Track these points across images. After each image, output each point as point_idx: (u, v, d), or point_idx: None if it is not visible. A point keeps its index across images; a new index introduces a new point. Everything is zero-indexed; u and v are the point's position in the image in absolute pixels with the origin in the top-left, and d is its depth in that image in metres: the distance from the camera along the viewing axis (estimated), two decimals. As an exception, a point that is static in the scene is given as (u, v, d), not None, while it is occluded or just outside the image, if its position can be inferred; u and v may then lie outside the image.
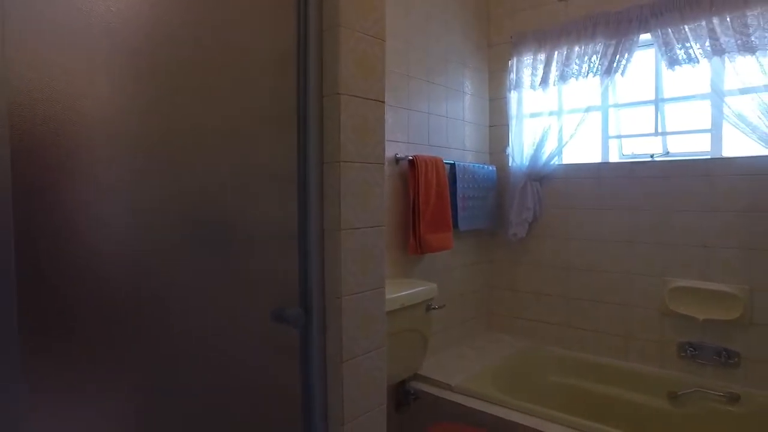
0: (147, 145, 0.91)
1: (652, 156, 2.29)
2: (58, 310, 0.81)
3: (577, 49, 2.37)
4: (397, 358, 1.88)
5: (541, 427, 1.71)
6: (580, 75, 2.37)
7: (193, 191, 0.98)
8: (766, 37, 1.87)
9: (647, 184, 2.26)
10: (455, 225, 2.36)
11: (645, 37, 2.22)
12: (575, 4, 2.42)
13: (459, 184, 2.39)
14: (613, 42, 2.25)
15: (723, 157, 2.11)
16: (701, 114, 2.19)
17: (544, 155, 2.50)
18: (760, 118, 1.90)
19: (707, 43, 2.00)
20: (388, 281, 1.39)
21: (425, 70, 2.33)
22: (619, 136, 2.45)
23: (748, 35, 1.90)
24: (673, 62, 2.10)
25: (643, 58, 2.35)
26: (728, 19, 1.94)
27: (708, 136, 2.17)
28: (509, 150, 2.65)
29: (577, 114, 2.39)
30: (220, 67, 1.02)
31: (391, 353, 1.64)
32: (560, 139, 2.47)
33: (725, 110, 2.00)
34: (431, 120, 2.37)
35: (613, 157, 2.46)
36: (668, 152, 2.28)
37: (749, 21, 1.90)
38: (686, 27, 2.05)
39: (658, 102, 2.30)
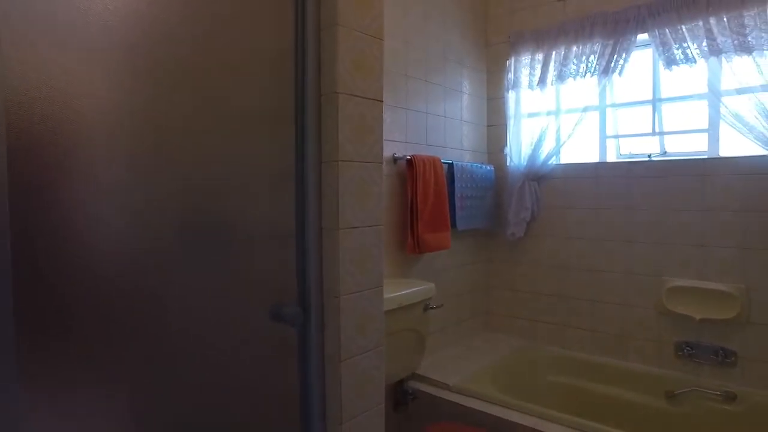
0: (144, 144, 0.91)
1: (649, 156, 2.30)
2: (55, 309, 0.81)
3: (574, 48, 2.38)
4: (395, 357, 1.88)
5: (539, 427, 1.71)
6: (577, 75, 2.38)
7: (190, 190, 0.98)
8: (762, 38, 1.87)
9: (645, 183, 2.26)
10: (453, 225, 2.36)
11: (642, 37, 2.23)
12: (573, 4, 2.42)
13: (457, 184, 2.39)
14: (611, 42, 2.26)
15: (720, 156, 2.12)
16: (698, 114, 2.19)
17: (542, 155, 2.50)
18: (757, 118, 1.90)
19: (704, 43, 2.01)
20: (386, 281, 1.39)
21: (423, 69, 2.33)
22: (616, 136, 2.45)
23: (745, 35, 1.90)
24: (670, 62, 2.10)
25: (640, 58, 2.35)
26: (725, 19, 1.95)
27: (705, 136, 2.17)
28: (507, 150, 2.65)
29: (574, 114, 2.40)
30: (217, 66, 1.02)
31: (389, 353, 1.64)
32: (558, 139, 2.47)
33: (722, 110, 2.01)
34: (429, 120, 2.38)
35: (611, 157, 2.46)
36: (665, 152, 2.29)
37: (746, 21, 1.90)
38: (683, 27, 2.06)
39: (655, 102, 2.30)
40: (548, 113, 2.48)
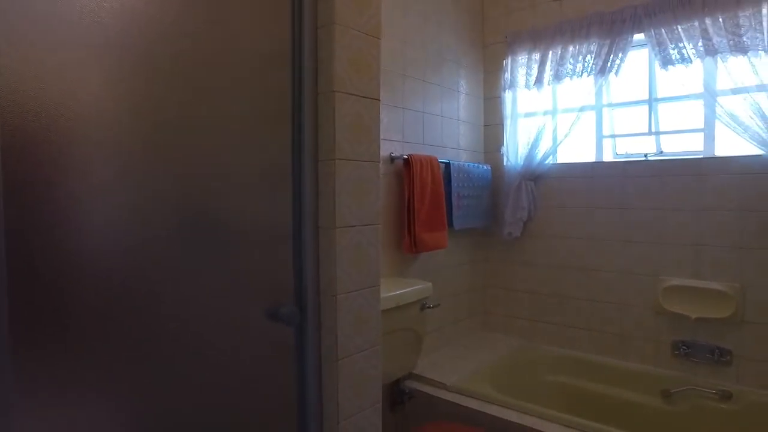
0: (140, 142, 0.91)
1: (645, 155, 2.31)
2: (50, 307, 0.80)
3: (571, 48, 2.38)
4: (392, 357, 1.88)
5: (537, 426, 1.71)
6: (574, 74, 2.38)
7: (186, 188, 0.98)
8: (757, 38, 1.88)
9: (641, 183, 2.27)
10: (450, 224, 2.36)
11: (639, 37, 2.23)
12: (570, 4, 2.43)
13: (454, 183, 2.39)
14: (607, 42, 2.26)
15: (715, 156, 2.13)
16: (694, 114, 2.20)
17: (539, 154, 2.51)
18: (752, 118, 1.91)
19: (700, 44, 2.01)
20: (382, 280, 1.38)
21: (420, 69, 2.33)
22: (613, 136, 2.46)
23: (740, 36, 1.91)
24: (666, 62, 2.11)
25: (636, 58, 2.36)
26: (720, 19, 1.96)
27: (701, 135, 2.18)
28: (504, 149, 2.65)
29: (571, 113, 2.40)
30: (213, 64, 1.01)
31: (386, 352, 1.64)
32: (555, 139, 2.47)
33: (718, 110, 2.01)
34: (426, 119, 2.38)
35: (607, 157, 2.47)
36: (662, 152, 2.30)
37: (741, 21, 1.91)
38: (679, 27, 2.06)
39: (651, 102, 2.31)
40: (545, 113, 2.49)
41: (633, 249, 2.29)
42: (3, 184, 0.74)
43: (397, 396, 2.10)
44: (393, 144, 2.16)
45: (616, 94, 2.43)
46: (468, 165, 2.52)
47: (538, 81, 2.48)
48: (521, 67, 2.57)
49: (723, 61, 1.97)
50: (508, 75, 2.61)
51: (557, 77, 2.43)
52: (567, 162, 2.53)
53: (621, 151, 2.45)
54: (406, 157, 2.13)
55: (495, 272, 2.77)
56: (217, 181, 1.02)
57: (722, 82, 2.02)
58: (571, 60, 2.39)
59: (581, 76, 2.35)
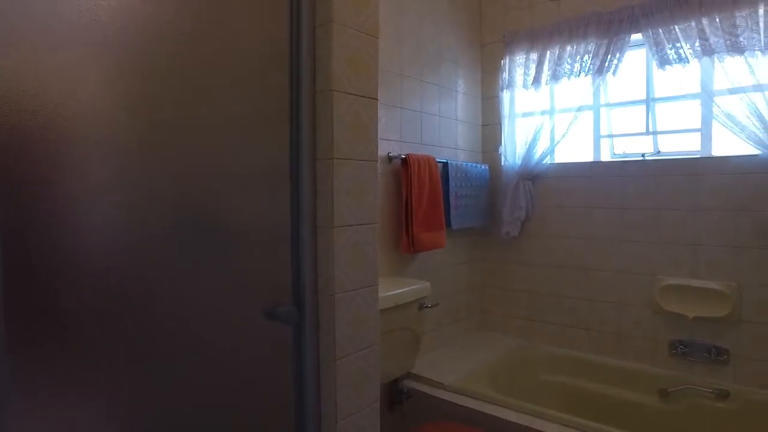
0: (137, 141, 0.90)
1: (643, 155, 2.31)
2: (47, 306, 0.80)
3: (569, 48, 2.39)
4: (390, 356, 1.88)
5: (534, 425, 1.71)
6: (572, 74, 2.38)
7: (184, 188, 0.97)
8: (753, 38, 1.89)
9: (638, 183, 2.27)
10: (448, 224, 2.36)
11: (636, 37, 2.24)
12: (567, 4, 2.43)
13: (452, 183, 2.39)
14: (605, 42, 2.27)
15: (712, 156, 2.13)
16: (691, 114, 2.21)
17: (537, 154, 2.51)
18: (749, 118, 1.92)
19: (697, 44, 2.02)
20: (380, 280, 1.38)
21: (418, 68, 2.33)
22: (610, 136, 2.47)
23: (737, 36, 1.92)
24: (663, 62, 2.11)
25: (634, 58, 2.36)
26: (717, 19, 1.96)
27: (698, 135, 2.19)
28: (502, 149, 2.66)
29: (569, 113, 2.41)
30: (211, 63, 1.01)
31: (384, 352, 1.64)
32: (552, 139, 2.48)
33: (715, 110, 2.02)
34: (424, 119, 2.38)
35: (605, 157, 2.47)
36: (659, 151, 2.30)
37: (737, 22, 1.92)
38: (676, 27, 2.07)
39: (649, 101, 2.32)
40: (543, 113, 2.49)
41: (630, 248, 2.30)
42: (0, 183, 0.74)
43: (396, 395, 2.10)
44: (391, 143, 2.16)
45: (614, 93, 2.44)
46: (466, 165, 2.52)
47: (536, 81, 2.49)
48: (519, 66, 2.57)
49: (720, 61, 1.97)
50: (505, 75, 2.61)
51: (555, 77, 2.43)
52: (565, 162, 2.54)
53: (618, 150, 2.45)
54: (404, 156, 2.13)
55: (493, 272, 2.78)
56: (215, 180, 1.02)
57: (719, 82, 2.02)
58: (569, 60, 2.39)
59: (579, 75, 2.36)
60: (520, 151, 2.57)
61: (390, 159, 2.14)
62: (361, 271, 1.23)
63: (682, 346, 2.15)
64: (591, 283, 2.42)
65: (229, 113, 1.05)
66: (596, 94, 2.40)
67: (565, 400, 2.28)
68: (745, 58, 1.91)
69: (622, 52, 2.24)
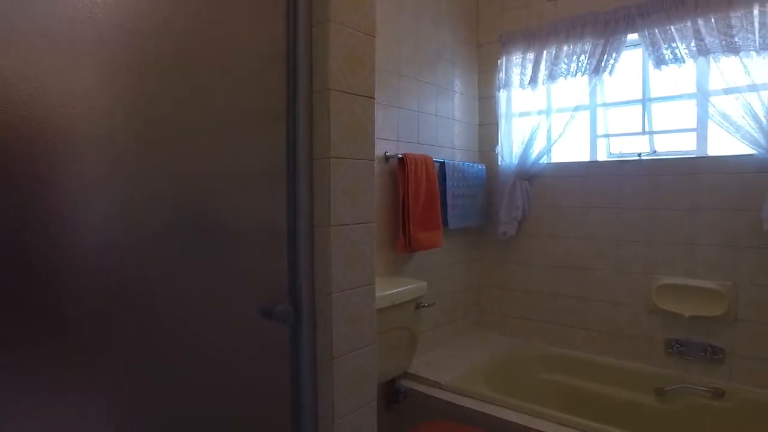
0: (134, 140, 0.90)
1: (639, 155, 2.32)
2: (46, 306, 0.79)
3: (565, 48, 2.39)
4: (387, 356, 1.88)
5: (531, 424, 1.72)
6: (568, 74, 2.39)
7: (181, 187, 0.97)
8: (749, 38, 1.90)
9: (634, 182, 2.28)
10: (445, 223, 2.37)
11: (632, 37, 2.24)
12: (564, 4, 2.44)
13: (448, 183, 2.40)
14: (601, 42, 2.27)
15: (708, 156, 2.14)
16: (687, 113, 2.22)
17: (533, 154, 2.52)
18: (744, 118, 1.93)
19: (693, 44, 2.03)
20: (377, 279, 1.38)
21: (415, 68, 2.34)
22: (607, 135, 2.47)
23: (732, 36, 1.93)
24: (659, 62, 2.12)
25: (630, 58, 2.37)
26: (713, 20, 1.97)
27: (694, 135, 2.20)
28: (498, 149, 2.66)
29: (565, 113, 2.41)
30: (207, 61, 1.01)
31: (381, 351, 1.64)
32: (549, 138, 2.48)
33: (710, 110, 2.03)
34: (421, 118, 2.38)
35: (601, 156, 2.48)
36: (655, 151, 2.31)
37: (733, 22, 1.93)
38: (672, 27, 2.08)
39: (645, 101, 2.33)
40: (539, 112, 2.50)
41: (627, 248, 2.31)
42: (-6, 181, 0.73)
43: (393, 395, 2.10)
44: (388, 143, 2.16)
45: (610, 93, 2.45)
46: (463, 164, 2.52)
47: (533, 80, 2.49)
48: (516, 66, 2.58)
49: (715, 62, 1.98)
50: (502, 74, 2.62)
51: (551, 77, 2.44)
52: (561, 161, 2.54)
53: (615, 150, 2.46)
54: (400, 156, 2.13)
55: (490, 271, 2.78)
56: (212, 179, 1.02)
57: (715, 82, 2.03)
58: (566, 60, 2.40)
59: (575, 75, 2.36)
60: (517, 150, 2.57)
61: (387, 158, 2.14)
62: (358, 271, 1.23)
63: (678, 345, 2.16)
64: (588, 282, 2.42)
65: (226, 112, 1.04)
66: (593, 93, 2.41)
67: (561, 399, 2.28)
68: (740, 58, 1.92)
69: (618, 52, 2.25)
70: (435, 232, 2.26)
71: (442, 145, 2.51)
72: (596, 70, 2.29)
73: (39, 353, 0.79)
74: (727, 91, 1.96)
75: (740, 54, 1.92)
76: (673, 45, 2.08)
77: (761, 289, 1.98)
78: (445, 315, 2.55)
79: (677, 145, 2.27)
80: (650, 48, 2.14)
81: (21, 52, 0.76)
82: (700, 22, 2.00)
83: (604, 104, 2.46)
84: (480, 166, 2.66)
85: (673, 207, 2.18)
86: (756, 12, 1.88)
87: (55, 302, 0.80)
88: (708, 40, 1.99)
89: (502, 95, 2.62)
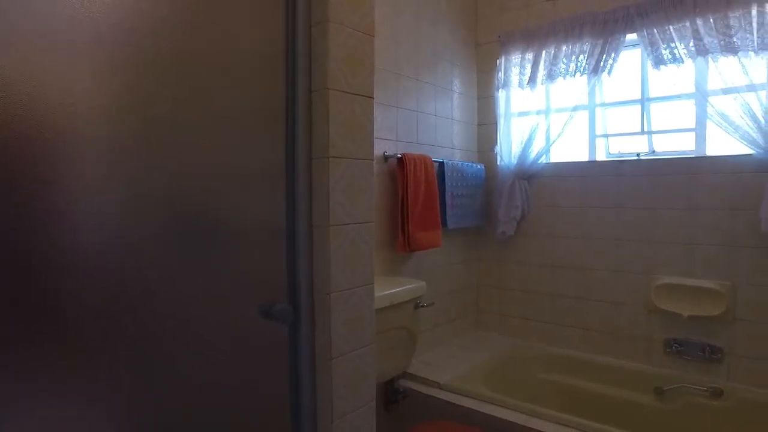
0: (132, 139, 0.90)
1: (638, 155, 2.32)
2: (45, 306, 0.79)
3: (564, 48, 2.39)
4: (386, 356, 1.88)
5: (530, 424, 1.72)
6: (567, 74, 2.39)
7: (180, 186, 0.97)
8: (747, 38, 1.90)
9: (633, 182, 2.28)
10: (444, 223, 2.37)
11: (631, 37, 2.25)
12: (563, 4, 2.44)
13: (448, 183, 2.40)
14: (600, 42, 2.27)
15: (707, 156, 2.14)
16: (686, 113, 2.22)
17: (532, 154, 2.52)
18: (742, 118, 1.93)
19: (691, 44, 2.03)
20: (376, 279, 1.38)
21: (414, 68, 2.34)
22: (605, 135, 2.47)
23: (730, 36, 1.93)
24: (658, 62, 2.12)
25: (629, 58, 2.38)
26: (711, 20, 1.97)
27: (692, 135, 2.20)
28: (497, 148, 2.66)
29: (564, 113, 2.41)
30: (206, 61, 1.01)
31: (380, 351, 1.64)
32: (548, 138, 2.48)
33: (709, 110, 2.03)
34: (420, 118, 2.38)
35: (600, 156, 2.48)
36: (654, 151, 2.31)
37: (731, 22, 1.93)
38: (671, 27, 2.08)
39: (644, 101, 2.33)
40: (538, 112, 2.50)
41: (625, 248, 2.31)
42: (-7, 180, 0.73)
43: (392, 395, 2.10)
44: (387, 143, 2.16)
45: (609, 93, 2.45)
46: (462, 164, 2.52)
47: (532, 80, 2.49)
48: (515, 66, 2.58)
49: (714, 61, 1.98)
50: (501, 74, 2.62)
51: (550, 77, 2.44)
52: (560, 161, 2.55)
53: (614, 150, 2.46)
54: (399, 156, 2.13)
55: (489, 271, 2.78)
56: (211, 178, 1.02)
57: (713, 82, 2.03)
58: (564, 60, 2.40)
59: (574, 75, 2.37)
60: (516, 150, 2.57)
61: (386, 158, 2.14)
62: (357, 270, 1.23)
63: (677, 345, 2.16)
64: (586, 282, 2.42)
65: (225, 112, 1.04)
66: (591, 93, 2.41)
67: (560, 399, 2.28)
68: (739, 58, 1.92)
69: (617, 52, 2.25)
70: (434, 231, 2.26)
71: (441, 145, 2.51)
72: (595, 70, 2.29)
73: (39, 353, 0.79)
74: (726, 91, 1.97)
75: (738, 54, 1.92)
76: (672, 45, 2.08)
77: (759, 289, 1.98)
78: (444, 315, 2.55)
79: (676, 145, 2.27)
80: (649, 48, 2.14)
81: (20, 51, 0.76)
82: (699, 22, 2.00)
83: (603, 104, 2.46)
84: (479, 166, 2.66)
85: (672, 207, 2.18)
86: (754, 12, 1.88)
87: (55, 302, 0.80)
88: (706, 40, 1.99)
89: (501, 95, 2.62)
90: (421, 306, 2.05)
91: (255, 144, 1.11)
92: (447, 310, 2.57)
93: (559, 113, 2.44)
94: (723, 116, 1.98)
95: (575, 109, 2.38)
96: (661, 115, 2.31)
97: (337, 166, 1.17)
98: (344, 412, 1.21)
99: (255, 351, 1.12)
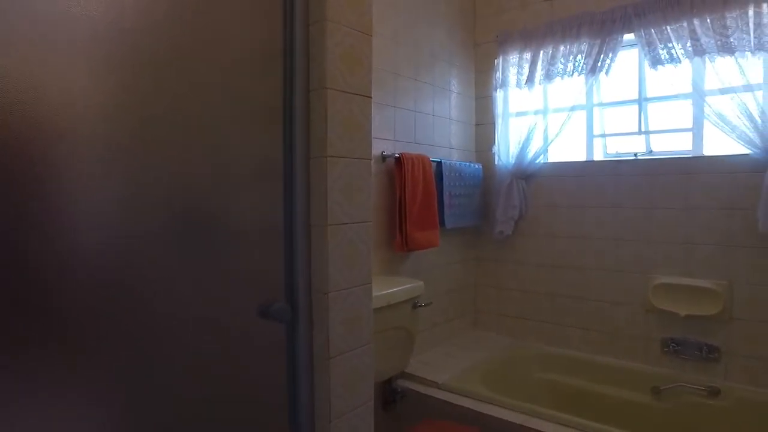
0: (129, 139, 0.89)
1: (635, 155, 2.33)
2: (43, 305, 0.79)
3: (562, 48, 2.40)
4: (384, 355, 1.88)
5: (528, 423, 1.72)
6: (565, 74, 2.40)
7: (177, 186, 0.96)
8: (744, 39, 1.91)
9: (631, 182, 2.29)
10: (442, 223, 2.37)
11: (629, 37, 2.25)
12: (560, 4, 2.44)
13: (445, 182, 2.40)
14: (598, 41, 2.28)
15: (704, 155, 2.15)
16: (683, 113, 2.22)
17: (530, 154, 2.52)
18: (739, 118, 1.94)
19: (688, 44, 2.04)
20: (374, 278, 1.38)
21: (412, 68, 2.34)
22: (603, 135, 2.48)
23: (727, 36, 1.93)
24: (655, 62, 2.13)
25: (626, 58, 2.38)
26: (708, 20, 1.98)
27: (690, 135, 2.21)
28: (495, 148, 2.66)
29: (562, 113, 2.42)
30: (204, 60, 1.00)
31: (378, 351, 1.64)
32: (546, 138, 2.49)
33: (706, 110, 2.04)
34: (418, 118, 2.38)
35: (598, 156, 2.49)
36: (651, 151, 2.32)
37: (728, 23, 1.94)
38: (668, 27, 2.08)
39: (641, 101, 2.33)
40: (536, 112, 2.50)
41: (623, 247, 2.31)
42: (-11, 179, 0.73)
43: (390, 395, 2.10)
44: (385, 143, 2.16)
45: (607, 93, 2.45)
46: (459, 164, 2.52)
47: (529, 80, 2.49)
48: (512, 66, 2.58)
49: (711, 62, 1.99)
50: (499, 74, 2.62)
51: (548, 77, 2.44)
52: (558, 161, 2.55)
53: (611, 150, 2.47)
54: (397, 155, 2.13)
55: (486, 271, 2.78)
56: (209, 178, 1.01)
57: (710, 82, 2.04)
58: (562, 59, 2.40)
59: (572, 75, 2.37)
60: (514, 150, 2.57)
61: (384, 158, 2.14)
62: (355, 270, 1.23)
63: (674, 344, 2.16)
64: (584, 281, 2.43)
65: (222, 111, 1.04)
66: (589, 93, 2.41)
67: (558, 398, 2.29)
68: (736, 58, 1.92)
69: (614, 52, 2.25)
70: (432, 231, 2.26)
71: (439, 145, 2.52)
72: (593, 70, 2.29)
73: (39, 353, 0.79)
74: (723, 91, 1.97)
75: (735, 54, 1.92)
76: (669, 45, 2.09)
77: (756, 288, 1.99)
78: (442, 315, 2.55)
79: (673, 144, 2.27)
80: (646, 48, 2.15)
81: (19, 51, 0.75)
82: (696, 22, 2.01)
83: (601, 104, 2.46)
84: (477, 166, 2.67)
85: (669, 206, 2.19)
86: (751, 12, 1.89)
87: (55, 302, 0.80)
88: (704, 40, 1.99)
89: (499, 95, 2.62)
90: (419, 306, 2.05)
91: (253, 143, 1.10)
92: (445, 310, 2.57)
93: (557, 113, 2.45)
94: (720, 116, 1.99)
95: (573, 109, 2.38)
96: (658, 115, 2.31)
97: (335, 166, 1.17)
98: (342, 411, 1.21)
99: (253, 350, 1.12)
